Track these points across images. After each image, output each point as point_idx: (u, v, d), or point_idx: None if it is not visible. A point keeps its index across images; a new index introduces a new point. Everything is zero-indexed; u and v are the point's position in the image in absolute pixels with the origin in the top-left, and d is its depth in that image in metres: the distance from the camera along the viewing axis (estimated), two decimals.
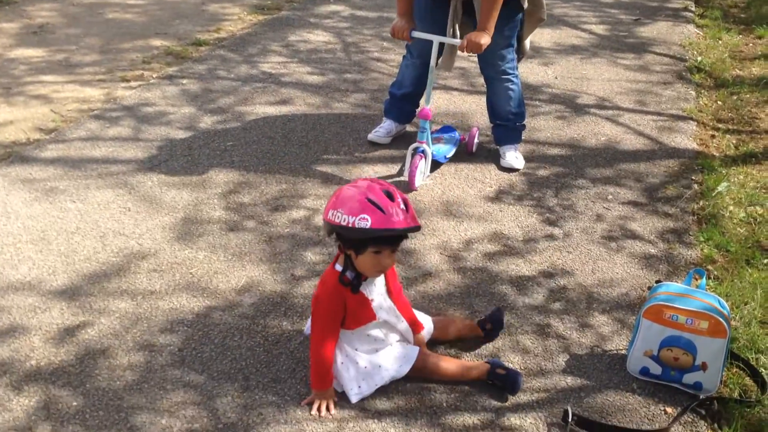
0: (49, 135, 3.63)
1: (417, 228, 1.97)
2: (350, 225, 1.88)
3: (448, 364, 2.17)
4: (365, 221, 1.87)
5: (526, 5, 3.21)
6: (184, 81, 4.33)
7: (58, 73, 4.44)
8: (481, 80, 3.55)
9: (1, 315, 2.36)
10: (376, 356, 2.12)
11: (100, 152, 3.45)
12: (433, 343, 2.29)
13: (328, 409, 2.04)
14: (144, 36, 5.19)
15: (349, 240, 1.96)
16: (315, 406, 2.04)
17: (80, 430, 1.95)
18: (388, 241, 1.95)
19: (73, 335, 2.29)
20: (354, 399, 2.08)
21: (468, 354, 2.30)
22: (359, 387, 2.09)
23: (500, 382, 2.13)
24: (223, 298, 2.49)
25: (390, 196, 1.93)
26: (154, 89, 4.19)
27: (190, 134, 3.67)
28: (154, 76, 4.43)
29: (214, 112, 3.93)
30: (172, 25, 5.46)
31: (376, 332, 2.12)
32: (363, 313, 2.07)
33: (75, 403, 2.03)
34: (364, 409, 2.06)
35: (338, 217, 1.90)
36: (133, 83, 4.31)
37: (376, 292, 2.10)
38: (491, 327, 2.32)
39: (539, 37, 5.39)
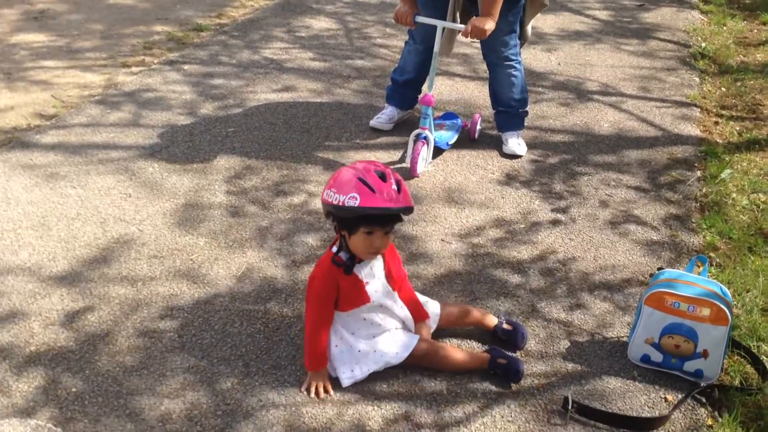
0: (49, 121, 3.62)
1: (408, 209, 1.98)
2: (340, 204, 1.91)
3: (449, 354, 2.15)
4: (354, 200, 1.90)
5: None
6: (186, 67, 4.31)
7: (59, 59, 4.42)
8: (484, 66, 3.52)
9: (1, 300, 2.35)
10: (372, 341, 2.12)
11: (101, 138, 3.44)
12: (439, 331, 2.27)
13: (326, 390, 2.05)
14: (145, 21, 5.15)
15: (342, 220, 1.99)
16: (312, 389, 2.05)
17: (80, 415, 1.95)
18: (378, 221, 1.96)
19: (73, 321, 2.29)
20: (346, 383, 2.08)
21: (470, 341, 2.29)
22: (352, 371, 2.09)
23: (501, 372, 2.12)
24: (223, 285, 2.49)
25: (383, 177, 1.95)
26: (155, 75, 4.17)
27: (192, 120, 3.65)
28: (156, 61, 4.40)
29: (216, 98, 3.91)
30: (173, 11, 5.42)
31: (373, 316, 2.12)
32: (356, 295, 2.07)
33: (75, 389, 2.03)
34: (364, 395, 2.06)
35: (331, 197, 1.94)
36: (134, 69, 4.29)
37: (372, 275, 2.09)
38: (505, 340, 2.27)
39: (542, 22, 5.35)
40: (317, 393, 2.04)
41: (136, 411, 1.97)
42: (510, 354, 2.18)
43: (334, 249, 2.07)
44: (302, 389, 2.06)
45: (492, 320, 2.30)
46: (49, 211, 2.84)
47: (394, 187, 1.95)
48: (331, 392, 2.05)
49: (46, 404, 1.98)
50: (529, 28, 3.48)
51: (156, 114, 3.70)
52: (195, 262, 2.60)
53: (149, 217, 2.83)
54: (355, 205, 1.90)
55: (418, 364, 2.14)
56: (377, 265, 2.12)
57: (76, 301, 2.37)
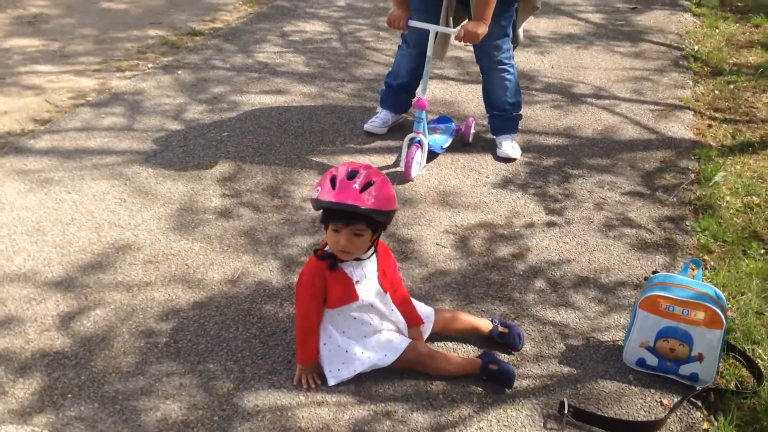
0: (43, 125, 3.60)
1: (362, 209, 1.92)
2: (311, 197, 2.02)
3: (441, 359, 2.16)
4: (316, 192, 1.99)
5: None
6: (179, 71, 4.30)
7: (52, 63, 4.40)
8: (477, 69, 3.53)
9: None
10: (362, 342, 2.13)
11: (95, 143, 3.43)
12: (433, 336, 2.27)
13: (315, 382, 2.09)
14: (139, 26, 5.15)
15: (321, 215, 2.05)
16: (304, 382, 2.09)
17: (77, 420, 1.95)
18: (335, 217, 1.99)
19: (68, 326, 2.28)
20: (331, 381, 2.10)
21: (465, 345, 2.29)
22: (338, 370, 2.10)
23: (493, 378, 2.13)
24: (218, 290, 2.48)
25: (351, 176, 1.98)
26: (149, 79, 4.17)
27: (186, 125, 3.65)
28: (149, 66, 4.39)
29: (210, 103, 3.90)
30: (167, 15, 5.42)
31: (363, 316, 2.13)
32: (344, 293, 2.08)
33: (71, 395, 2.03)
34: (361, 398, 2.06)
35: (311, 191, 2.03)
36: (128, 73, 4.28)
37: (364, 275, 2.10)
38: (502, 343, 2.28)
39: (535, 25, 5.37)
40: (308, 384, 2.08)
41: (132, 416, 1.97)
42: (502, 360, 2.18)
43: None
44: (295, 381, 2.10)
45: (486, 324, 2.30)
46: (44, 216, 2.83)
47: (356, 186, 1.95)
48: (319, 383, 2.10)
49: (43, 410, 1.97)
50: (521, 32, 3.49)
51: (150, 118, 3.69)
52: (190, 267, 2.59)
53: (144, 222, 2.83)
54: (314, 197, 1.99)
55: (411, 369, 2.14)
56: (370, 266, 2.13)
57: (71, 306, 2.37)
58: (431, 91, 4.05)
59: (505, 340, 2.27)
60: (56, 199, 2.95)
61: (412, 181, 3.21)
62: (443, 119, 3.66)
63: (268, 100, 3.96)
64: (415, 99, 3.28)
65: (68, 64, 4.40)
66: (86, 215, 2.85)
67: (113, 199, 2.98)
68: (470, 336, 2.31)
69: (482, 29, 3.01)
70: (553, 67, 4.64)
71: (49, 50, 4.61)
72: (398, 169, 3.28)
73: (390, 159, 3.40)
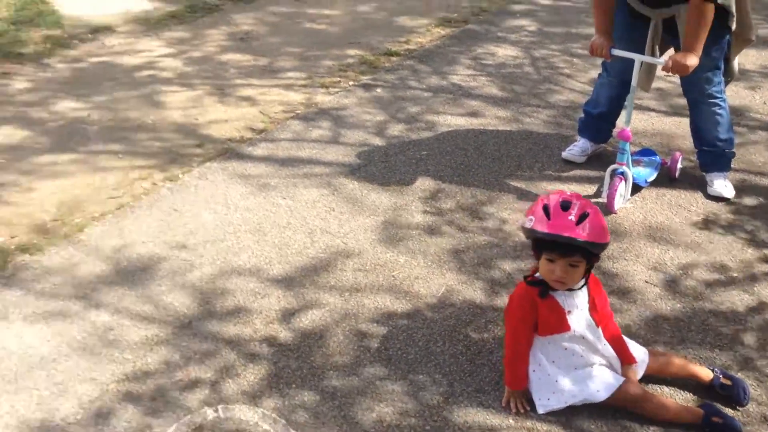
0: (259, 134, 3.93)
1: (580, 242, 1.93)
2: (522, 224, 2.03)
3: (656, 402, 2.07)
4: (530, 222, 2.00)
5: (734, 27, 3.01)
6: (378, 89, 4.51)
7: (263, 77, 4.79)
8: (681, 101, 3.38)
9: (228, 296, 2.58)
10: (573, 374, 2.10)
11: (305, 153, 3.68)
12: (646, 378, 2.19)
13: (525, 408, 2.09)
14: (338, 45, 5.46)
15: (532, 243, 2.07)
16: (512, 406, 2.10)
17: (300, 409, 2.09)
18: (550, 247, 1.98)
19: (289, 321, 2.46)
20: (540, 410, 2.08)
21: (680, 392, 2.18)
22: (548, 399, 2.09)
23: (716, 431, 2.00)
24: (424, 303, 2.56)
25: (564, 206, 1.98)
26: (350, 96, 4.41)
27: (386, 141, 3.81)
28: (350, 83, 4.65)
29: (407, 121, 4.05)
30: (364, 36, 5.71)
31: (574, 347, 2.09)
32: (555, 321, 2.07)
33: (294, 384, 2.18)
34: (572, 430, 2.03)
35: (523, 218, 2.06)
36: (331, 89, 4.55)
37: (575, 305, 2.08)
38: (724, 396, 2.15)
39: (744, 58, 5.00)
40: (517, 408, 2.09)
41: (350, 414, 2.08)
42: (726, 413, 2.05)
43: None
44: (503, 403, 2.11)
45: (707, 373, 2.18)
46: (264, 218, 3.08)
47: (572, 218, 1.95)
48: (528, 408, 2.10)
49: (271, 395, 2.14)
50: (735, 65, 3.29)
51: (353, 133, 3.90)
52: (396, 278, 2.69)
53: (352, 231, 2.99)
54: (528, 227, 2.00)
55: (623, 408, 2.07)
56: (581, 296, 2.10)
57: (291, 303, 2.55)
58: (631, 122, 3.91)
59: (728, 392, 2.13)
60: (273, 203, 3.20)
61: (615, 213, 3.12)
62: (646, 152, 3.53)
63: (463, 122, 4.04)
64: (619, 130, 3.20)
65: (277, 79, 4.77)
66: (300, 220, 3.07)
67: (323, 207, 3.18)
68: (687, 383, 2.20)
69: (692, 61, 2.87)
70: (765, 103, 4.31)
71: (259, 65, 5.03)
72: (600, 200, 3.20)
73: (590, 189, 3.33)
